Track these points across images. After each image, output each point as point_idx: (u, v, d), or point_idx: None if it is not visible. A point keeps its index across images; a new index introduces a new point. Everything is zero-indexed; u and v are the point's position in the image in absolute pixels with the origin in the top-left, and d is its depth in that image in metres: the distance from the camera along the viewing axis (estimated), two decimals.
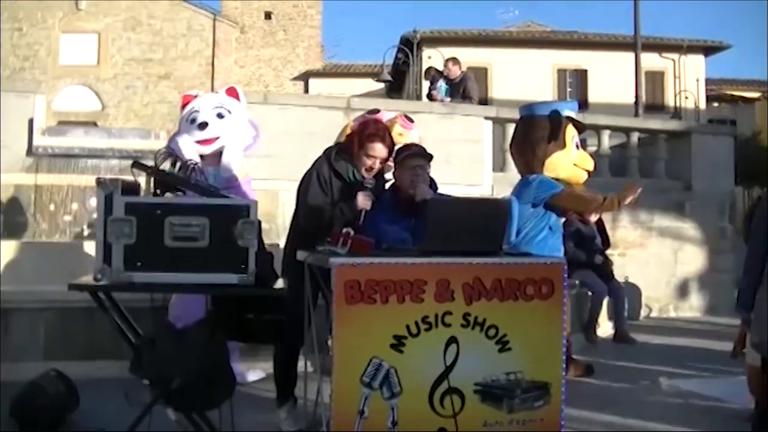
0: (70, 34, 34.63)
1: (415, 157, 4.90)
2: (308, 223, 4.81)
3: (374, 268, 3.78)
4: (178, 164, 4.20)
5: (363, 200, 4.69)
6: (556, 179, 6.32)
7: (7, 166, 8.99)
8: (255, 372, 6.26)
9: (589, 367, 6.99)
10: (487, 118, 11.19)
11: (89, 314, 5.60)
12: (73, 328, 6.36)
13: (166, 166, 4.21)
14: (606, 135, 12.13)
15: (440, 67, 14.34)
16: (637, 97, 16.21)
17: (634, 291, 10.79)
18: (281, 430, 4.97)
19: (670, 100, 31.56)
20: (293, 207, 5.05)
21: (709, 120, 27.20)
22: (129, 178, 3.89)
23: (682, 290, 11.86)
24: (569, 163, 6.40)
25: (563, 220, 6.64)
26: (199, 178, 4.14)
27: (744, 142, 24.83)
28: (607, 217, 9.92)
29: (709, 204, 12.23)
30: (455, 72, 13.21)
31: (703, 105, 31.63)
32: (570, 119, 6.45)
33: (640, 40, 16.52)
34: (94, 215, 5.48)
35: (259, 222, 3.70)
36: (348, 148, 4.93)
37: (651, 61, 28.67)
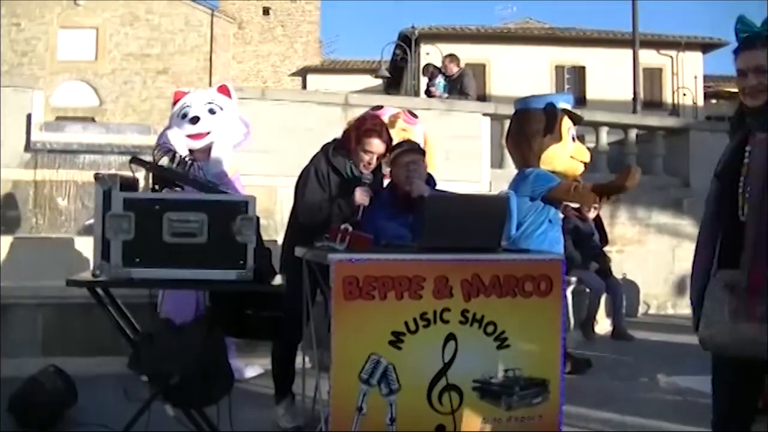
0: (67, 29, 34.63)
1: (408, 153, 4.90)
2: (306, 219, 4.81)
3: (373, 265, 3.78)
4: (177, 160, 4.19)
5: (361, 196, 4.70)
6: (553, 172, 6.32)
7: (5, 161, 8.98)
8: (253, 368, 6.26)
9: (586, 361, 6.99)
10: (485, 114, 11.17)
11: (87, 310, 5.57)
12: (72, 324, 6.35)
13: (164, 161, 4.21)
14: (604, 132, 12.13)
15: (438, 64, 14.35)
16: (635, 93, 16.21)
17: (632, 288, 10.79)
18: (279, 426, 4.97)
19: (668, 97, 31.60)
20: (291, 203, 5.05)
21: (707, 117, 27.18)
22: (127, 173, 3.89)
23: (681, 287, 11.83)
24: (566, 156, 6.40)
25: (561, 217, 6.64)
26: (198, 173, 4.14)
27: None
28: (605, 214, 9.93)
29: None
30: (452, 69, 13.22)
31: (701, 102, 31.64)
32: (565, 111, 6.45)
33: (638, 36, 16.52)
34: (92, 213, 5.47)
35: (258, 218, 3.69)
36: (345, 144, 4.93)
37: (649, 57, 28.71)
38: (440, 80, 13.36)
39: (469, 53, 24.29)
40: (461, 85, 12.90)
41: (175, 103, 6.46)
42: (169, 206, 3.57)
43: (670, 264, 11.87)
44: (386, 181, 5.11)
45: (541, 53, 31.11)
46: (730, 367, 3.18)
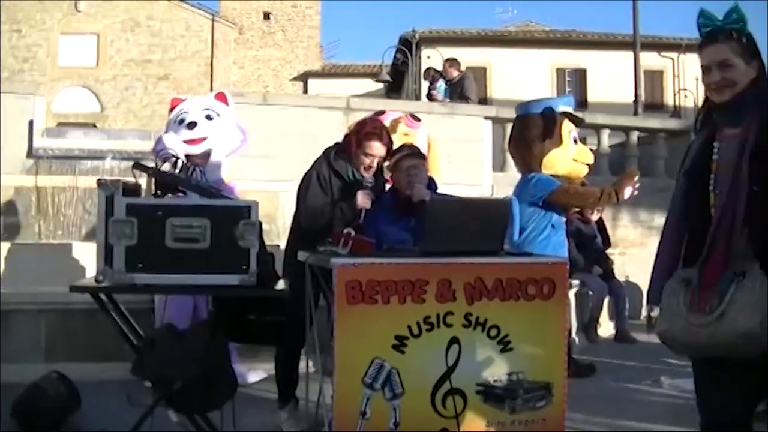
0: (68, 35, 34.68)
1: (409, 157, 4.90)
2: (308, 223, 4.81)
3: (375, 269, 3.77)
4: (179, 165, 4.20)
5: (362, 199, 4.70)
6: (556, 176, 6.32)
7: (7, 167, 8.99)
8: (256, 373, 6.26)
9: (589, 366, 6.98)
10: (486, 117, 11.17)
11: (90, 316, 5.59)
12: (74, 329, 6.35)
13: (166, 167, 4.22)
14: (605, 134, 12.12)
15: (439, 68, 14.36)
16: (636, 96, 16.18)
17: (634, 290, 10.75)
18: (283, 431, 4.97)
19: (669, 99, 31.55)
20: (293, 208, 5.05)
21: None
22: (130, 179, 3.89)
23: None
24: (567, 159, 6.40)
25: (563, 219, 6.64)
26: (200, 179, 4.14)
27: None
28: (607, 216, 9.92)
29: None
30: (452, 73, 13.23)
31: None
32: (566, 114, 6.44)
33: (639, 39, 16.50)
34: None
35: (260, 223, 3.69)
36: (346, 148, 4.94)
37: (650, 59, 28.67)
38: (442, 84, 13.36)
39: (469, 56, 24.35)
40: (462, 88, 12.90)
41: (172, 109, 6.48)
42: (172, 212, 3.57)
43: None
44: (388, 186, 5.11)
45: (542, 56, 31.11)
46: (705, 365, 3.09)
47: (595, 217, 9.10)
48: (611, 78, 28.24)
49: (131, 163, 4.13)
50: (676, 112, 28.24)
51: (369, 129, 4.92)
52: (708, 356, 3.00)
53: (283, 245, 5.19)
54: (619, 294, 9.19)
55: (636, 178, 6.27)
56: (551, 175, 6.33)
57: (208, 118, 6.23)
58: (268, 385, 5.62)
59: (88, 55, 34.89)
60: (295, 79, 39.22)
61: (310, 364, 4.97)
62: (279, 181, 8.67)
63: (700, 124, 3.28)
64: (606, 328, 9.32)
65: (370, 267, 3.77)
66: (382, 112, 6.58)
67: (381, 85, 26.70)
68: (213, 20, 36.80)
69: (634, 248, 11.68)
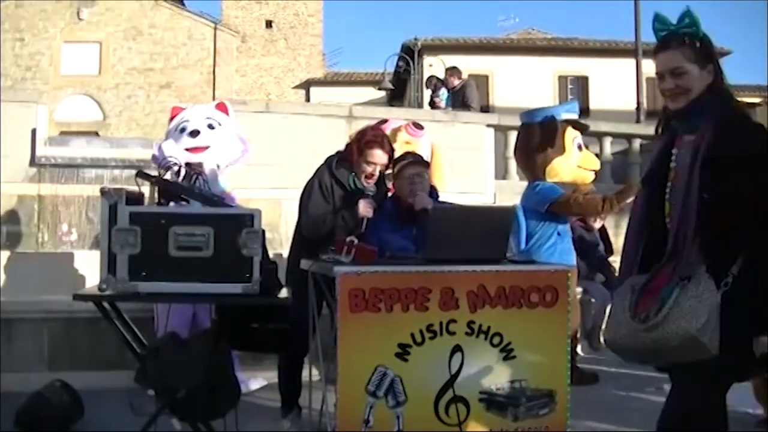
0: (71, 43, 34.66)
1: (411, 165, 4.90)
2: (310, 232, 4.82)
3: (378, 277, 3.78)
4: (182, 173, 4.21)
5: (364, 208, 4.70)
6: (561, 183, 6.32)
7: (10, 176, 9.00)
8: (257, 381, 6.25)
9: (593, 375, 6.97)
10: (488, 125, 11.18)
11: (93, 324, 5.59)
12: (78, 338, 6.35)
13: (169, 175, 4.23)
14: (608, 141, 12.13)
15: (441, 75, 14.40)
16: (638, 103, 16.20)
17: None
18: None
19: None
20: (296, 216, 5.06)
21: None
22: (133, 187, 3.90)
23: None
24: (571, 167, 6.40)
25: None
26: (203, 187, 4.15)
27: None
28: (609, 224, 9.90)
29: None
30: (453, 82, 13.26)
31: None
32: (568, 122, 6.45)
33: (641, 46, 16.50)
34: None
35: (263, 231, 3.70)
36: (348, 156, 4.95)
37: (652, 67, 28.25)
38: (444, 92, 13.39)
39: (471, 64, 24.37)
40: (464, 96, 12.94)
41: (172, 118, 6.46)
42: (175, 220, 3.57)
43: None
44: (390, 194, 5.12)
45: (544, 63, 31.11)
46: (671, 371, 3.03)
47: (597, 224, 9.09)
48: (613, 85, 28.22)
49: (134, 171, 4.14)
50: None
51: (370, 137, 4.93)
52: (654, 363, 2.97)
53: (285, 253, 5.20)
54: None
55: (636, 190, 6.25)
56: (556, 183, 6.33)
57: (210, 127, 6.23)
58: (271, 394, 5.62)
59: (90, 64, 34.89)
60: (297, 87, 39.23)
61: (313, 372, 4.97)
62: (282, 189, 8.68)
63: (661, 130, 3.22)
64: None
65: (373, 275, 3.78)
66: (385, 121, 6.58)
67: (383, 93, 26.73)
68: (215, 28, 36.80)
69: None
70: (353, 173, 4.88)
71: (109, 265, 3.58)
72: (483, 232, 4.08)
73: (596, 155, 11.16)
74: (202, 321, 5.41)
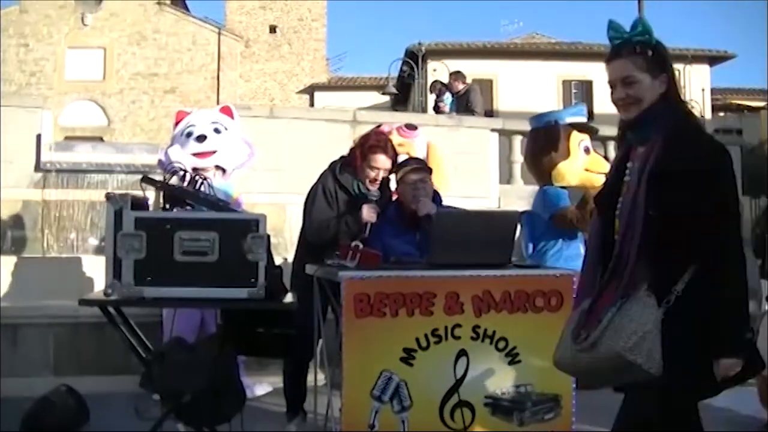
0: (75, 49, 34.76)
1: (415, 171, 4.89)
2: (314, 237, 4.83)
3: (383, 282, 3.78)
4: (187, 178, 4.21)
5: (368, 213, 4.70)
6: (569, 187, 6.30)
7: (15, 181, 9.02)
8: (262, 386, 6.25)
9: None
10: (493, 130, 11.17)
11: (99, 329, 5.61)
12: (83, 343, 6.37)
13: (174, 180, 4.23)
14: (612, 146, 12.11)
15: (445, 80, 14.39)
16: None
17: None
18: None
19: None
20: (300, 221, 5.06)
21: (715, 129, 27.06)
22: (138, 192, 3.91)
23: None
24: (578, 170, 6.36)
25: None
26: (209, 192, 4.15)
27: (750, 152, 24.72)
28: None
29: None
30: (458, 86, 13.25)
31: (708, 115, 31.52)
32: (574, 125, 6.44)
33: None
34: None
35: (268, 236, 3.70)
36: (352, 162, 4.95)
37: None
38: (448, 97, 13.38)
39: (476, 69, 24.37)
40: (468, 101, 12.93)
41: (177, 123, 6.46)
42: (180, 225, 3.58)
43: None
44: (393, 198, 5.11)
45: (548, 68, 31.09)
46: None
47: None
48: None
49: (139, 176, 4.14)
50: None
51: (373, 142, 4.93)
52: (600, 384, 2.95)
53: (290, 258, 5.20)
54: None
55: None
56: (563, 187, 6.30)
57: (217, 131, 6.23)
58: (276, 398, 5.62)
59: (94, 69, 34.97)
60: (301, 92, 39.24)
61: (319, 376, 4.97)
62: (286, 193, 8.68)
63: (618, 142, 3.10)
64: None
65: (378, 280, 3.78)
66: (379, 126, 6.55)
67: (387, 98, 26.71)
68: (219, 34, 36.87)
69: None
70: (357, 178, 4.88)
71: (115, 270, 3.58)
72: (488, 236, 4.08)
73: None
74: (209, 326, 5.41)
